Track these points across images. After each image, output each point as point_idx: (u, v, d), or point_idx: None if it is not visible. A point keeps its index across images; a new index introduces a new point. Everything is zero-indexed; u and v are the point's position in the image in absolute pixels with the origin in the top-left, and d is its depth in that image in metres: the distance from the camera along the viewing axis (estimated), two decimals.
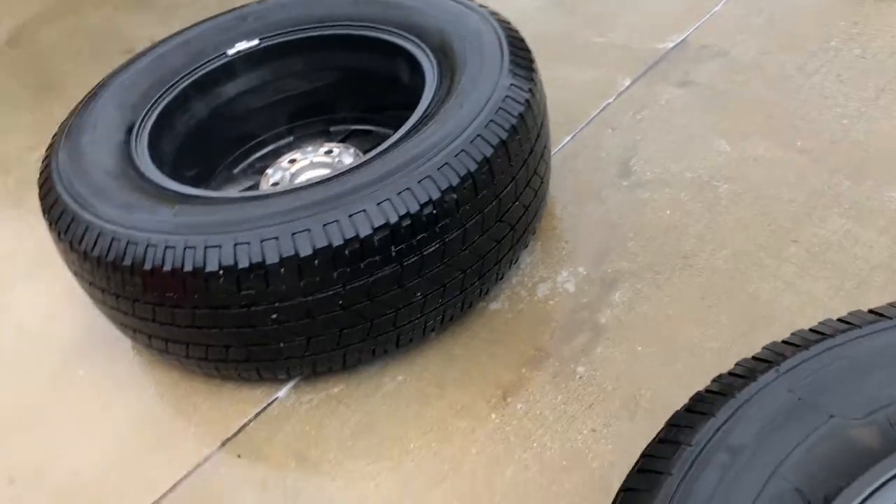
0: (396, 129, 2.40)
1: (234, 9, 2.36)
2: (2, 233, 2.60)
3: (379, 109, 2.43)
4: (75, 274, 1.83)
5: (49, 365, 2.09)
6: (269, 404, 1.87)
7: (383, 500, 1.65)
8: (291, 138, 2.48)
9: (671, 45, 2.77)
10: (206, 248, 1.61)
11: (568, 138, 2.45)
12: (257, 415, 1.85)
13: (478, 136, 1.76)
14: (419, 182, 1.68)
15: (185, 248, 1.62)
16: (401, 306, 1.74)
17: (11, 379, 2.10)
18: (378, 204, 1.64)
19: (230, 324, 1.68)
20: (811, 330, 1.32)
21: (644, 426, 1.68)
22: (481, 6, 2.13)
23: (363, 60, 2.31)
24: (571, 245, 2.11)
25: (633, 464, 1.63)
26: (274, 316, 1.66)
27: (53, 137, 2.04)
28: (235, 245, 1.60)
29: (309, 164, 2.26)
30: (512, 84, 1.88)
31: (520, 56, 1.98)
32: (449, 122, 1.79)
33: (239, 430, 1.83)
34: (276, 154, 2.43)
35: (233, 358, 1.76)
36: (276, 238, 1.60)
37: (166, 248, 1.63)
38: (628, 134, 2.43)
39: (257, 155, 2.45)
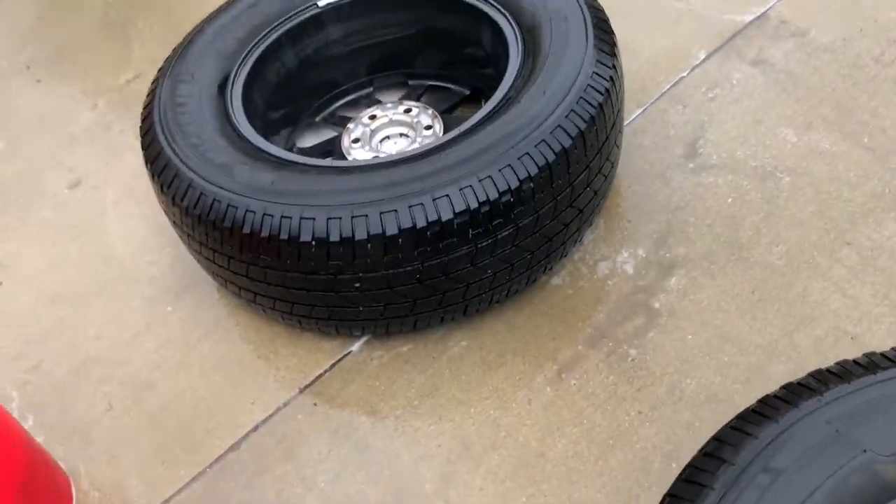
0: (473, 89, 2.50)
1: None
2: (92, 160, 2.70)
3: (457, 66, 2.51)
4: (174, 224, 1.98)
5: (139, 299, 2.26)
6: (343, 356, 2.04)
7: (445, 459, 1.83)
8: (371, 89, 2.57)
9: (751, 17, 2.76)
10: (301, 219, 1.75)
11: (639, 112, 2.51)
12: (332, 366, 2.03)
13: (558, 126, 1.85)
14: (500, 170, 1.78)
15: (281, 218, 1.76)
16: (471, 282, 1.87)
17: (105, 309, 2.26)
18: (461, 189, 1.76)
19: (317, 287, 1.83)
20: (855, 362, 1.44)
21: (686, 414, 1.82)
22: None
23: (449, 21, 2.38)
24: (633, 225, 2.21)
25: (672, 449, 1.80)
26: (357, 284, 1.80)
27: (152, 84, 2.15)
28: (328, 219, 1.74)
29: (388, 121, 2.37)
30: (594, 72, 1.94)
31: (604, 41, 2.03)
32: (531, 108, 1.87)
33: (315, 379, 2.01)
34: (356, 104, 2.54)
35: (315, 315, 1.92)
36: (366, 216, 1.73)
37: (264, 215, 1.77)
38: (698, 113, 2.49)
39: (338, 104, 2.55)
